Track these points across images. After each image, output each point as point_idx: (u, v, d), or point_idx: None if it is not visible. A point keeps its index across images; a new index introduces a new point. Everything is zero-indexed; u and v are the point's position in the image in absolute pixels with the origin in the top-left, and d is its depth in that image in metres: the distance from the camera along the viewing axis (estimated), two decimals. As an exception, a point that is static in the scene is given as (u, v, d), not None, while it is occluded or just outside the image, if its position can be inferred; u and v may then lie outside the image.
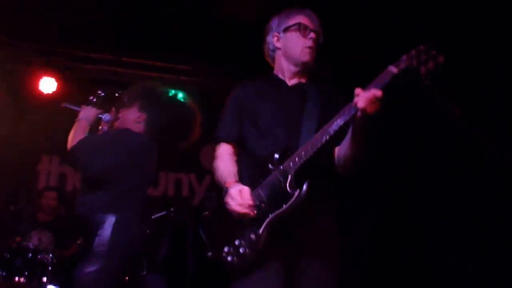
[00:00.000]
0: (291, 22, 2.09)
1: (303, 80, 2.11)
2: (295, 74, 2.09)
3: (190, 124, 2.70)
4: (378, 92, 1.60)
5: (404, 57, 1.63)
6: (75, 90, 4.36)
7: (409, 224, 4.38)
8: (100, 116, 2.64)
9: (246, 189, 1.79)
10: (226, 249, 1.78)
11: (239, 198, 1.76)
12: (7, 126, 4.37)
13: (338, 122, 1.71)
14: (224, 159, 2.03)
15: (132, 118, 2.56)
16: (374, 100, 1.59)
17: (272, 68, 2.23)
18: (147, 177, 2.55)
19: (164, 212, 3.85)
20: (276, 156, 1.84)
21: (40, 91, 4.59)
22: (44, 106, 4.51)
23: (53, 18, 3.89)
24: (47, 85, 4.57)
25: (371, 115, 1.61)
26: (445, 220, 4.05)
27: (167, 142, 2.67)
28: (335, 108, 1.85)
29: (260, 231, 1.72)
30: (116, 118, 2.66)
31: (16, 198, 4.65)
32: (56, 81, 4.60)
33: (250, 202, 1.75)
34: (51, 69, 4.55)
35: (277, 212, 1.72)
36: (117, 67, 4.53)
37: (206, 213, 2.00)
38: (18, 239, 3.81)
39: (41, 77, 4.56)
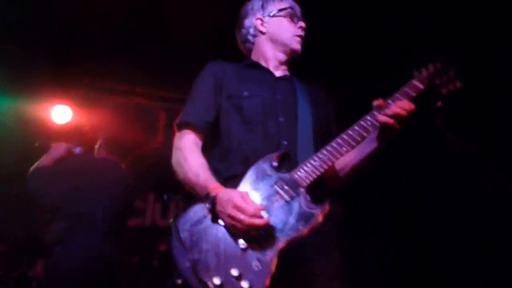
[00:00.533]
0: (282, 5, 1.88)
1: (287, 73, 1.88)
2: (281, 64, 1.86)
3: (151, 128, 2.73)
4: (412, 105, 1.48)
5: (425, 73, 1.57)
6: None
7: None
8: (72, 150, 2.67)
9: (247, 195, 1.41)
10: (216, 280, 1.29)
11: (248, 207, 1.35)
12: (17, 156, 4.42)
13: (362, 133, 1.51)
14: (195, 153, 1.60)
15: (96, 146, 2.63)
16: (409, 114, 1.46)
17: (244, 56, 1.96)
18: (111, 200, 2.48)
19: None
20: (276, 159, 1.51)
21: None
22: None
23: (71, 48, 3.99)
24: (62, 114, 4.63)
25: (401, 128, 1.47)
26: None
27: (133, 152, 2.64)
28: (325, 109, 1.76)
29: (268, 258, 1.31)
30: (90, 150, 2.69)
31: (24, 226, 4.63)
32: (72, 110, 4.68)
33: (262, 209, 1.36)
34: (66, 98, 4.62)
35: (293, 235, 1.35)
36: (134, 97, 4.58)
37: (179, 225, 1.41)
38: (22, 268, 3.75)
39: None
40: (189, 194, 1.56)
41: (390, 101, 1.52)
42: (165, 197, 2.85)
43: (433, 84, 1.54)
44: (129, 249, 3.82)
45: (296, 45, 1.85)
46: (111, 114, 2.82)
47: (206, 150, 1.67)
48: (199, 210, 1.45)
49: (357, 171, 1.66)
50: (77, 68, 4.20)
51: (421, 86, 1.55)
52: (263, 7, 1.90)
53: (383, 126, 1.49)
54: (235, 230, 1.37)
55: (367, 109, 1.57)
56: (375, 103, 1.52)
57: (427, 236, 4.17)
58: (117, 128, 2.63)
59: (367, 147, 1.60)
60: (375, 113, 1.51)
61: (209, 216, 1.43)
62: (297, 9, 1.93)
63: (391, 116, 1.45)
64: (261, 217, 1.36)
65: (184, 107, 1.73)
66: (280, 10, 1.87)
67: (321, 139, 1.67)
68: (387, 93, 1.56)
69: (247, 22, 1.93)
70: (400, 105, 1.47)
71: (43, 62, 3.97)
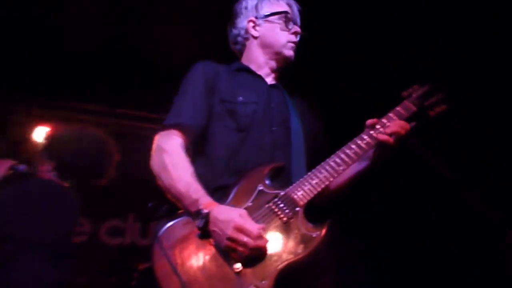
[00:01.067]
0: (277, 8, 1.78)
1: (277, 80, 1.80)
2: (273, 71, 1.78)
3: (102, 161, 2.65)
4: (408, 125, 1.50)
5: (415, 94, 1.58)
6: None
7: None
8: (15, 167, 2.53)
9: (246, 214, 1.30)
10: None
11: (252, 228, 1.25)
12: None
13: (359, 152, 1.47)
14: (185, 159, 1.45)
15: (44, 169, 2.54)
16: (406, 133, 1.48)
17: (236, 58, 1.88)
18: (57, 225, 2.39)
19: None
20: (269, 172, 1.42)
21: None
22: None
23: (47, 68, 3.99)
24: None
25: (399, 147, 1.48)
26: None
27: (83, 181, 2.60)
28: (312, 122, 1.71)
29: (266, 285, 1.20)
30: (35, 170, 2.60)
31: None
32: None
33: (262, 231, 1.25)
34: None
35: (292, 259, 1.25)
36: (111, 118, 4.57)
37: (163, 241, 1.28)
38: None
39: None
40: (174, 205, 1.43)
41: (385, 121, 1.53)
42: (149, 204, 2.77)
43: (422, 106, 1.56)
44: (106, 268, 3.79)
45: (289, 52, 1.75)
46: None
47: (189, 155, 1.53)
48: (185, 225, 1.34)
49: (346, 189, 1.63)
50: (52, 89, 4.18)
51: (414, 108, 1.56)
52: (257, 7, 1.79)
53: (383, 145, 1.48)
54: (233, 253, 1.25)
55: (351, 125, 1.57)
56: (369, 122, 1.53)
57: (424, 239, 4.21)
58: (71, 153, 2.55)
59: (359, 165, 1.58)
60: (372, 132, 1.51)
61: (197, 233, 1.31)
62: (294, 12, 1.81)
63: (391, 135, 1.46)
64: (263, 239, 1.26)
65: (173, 106, 1.59)
66: (275, 13, 1.76)
67: (311, 153, 1.63)
68: (370, 111, 1.58)
69: (239, 23, 1.82)
70: (400, 124, 1.48)
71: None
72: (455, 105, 1.58)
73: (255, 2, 1.80)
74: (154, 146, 1.52)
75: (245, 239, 1.23)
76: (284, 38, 1.75)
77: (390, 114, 1.55)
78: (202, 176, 1.44)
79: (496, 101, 3.38)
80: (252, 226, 1.26)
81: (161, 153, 1.47)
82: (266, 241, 1.26)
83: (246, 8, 1.80)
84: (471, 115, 3.28)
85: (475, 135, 3.53)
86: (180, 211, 1.41)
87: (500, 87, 3.32)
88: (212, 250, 1.29)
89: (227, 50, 1.95)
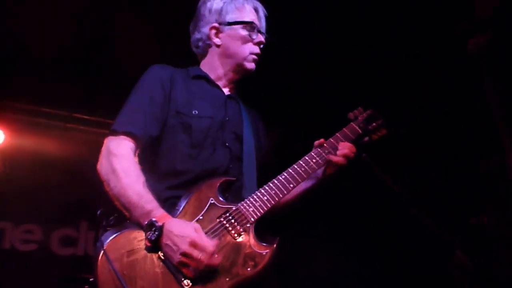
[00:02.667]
0: (244, 15, 1.71)
1: (234, 91, 1.78)
2: (231, 82, 1.75)
3: None
4: (354, 148, 1.60)
5: (361, 117, 1.69)
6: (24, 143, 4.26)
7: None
8: None
9: (200, 229, 1.28)
10: None
11: (207, 245, 1.23)
12: None
13: (308, 170, 1.51)
14: (136, 167, 1.40)
15: None
16: (354, 155, 1.58)
17: (196, 60, 1.83)
18: None
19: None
20: (221, 186, 1.40)
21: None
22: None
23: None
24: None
25: (347, 167, 1.56)
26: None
27: None
28: (263, 135, 1.73)
29: None
30: None
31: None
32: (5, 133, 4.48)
33: (215, 249, 1.24)
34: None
35: (241, 278, 1.26)
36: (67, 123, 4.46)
37: (110, 253, 1.22)
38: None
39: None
40: (122, 214, 1.39)
41: (333, 141, 1.61)
42: (98, 212, 2.65)
43: (367, 129, 1.68)
44: (56, 280, 3.62)
45: (250, 65, 1.72)
46: None
47: (146, 166, 1.50)
48: (134, 237, 1.29)
49: (295, 204, 1.67)
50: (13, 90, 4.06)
51: (359, 131, 1.66)
52: (221, 12, 1.72)
53: (335, 165, 1.55)
54: (185, 268, 1.23)
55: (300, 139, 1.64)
56: (317, 142, 1.60)
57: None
58: None
59: (307, 182, 1.62)
60: (321, 151, 1.57)
61: (145, 246, 1.28)
62: (260, 17, 1.77)
63: (343, 156, 1.55)
64: (217, 256, 1.25)
65: (125, 110, 1.53)
66: (239, 22, 1.71)
67: (262, 167, 1.65)
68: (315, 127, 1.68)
69: (201, 26, 1.75)
70: (348, 147, 1.59)
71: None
72: (393, 131, 1.73)
73: (219, 6, 1.73)
74: (103, 149, 1.47)
75: (200, 255, 1.21)
76: (247, 50, 1.71)
77: (338, 135, 1.63)
78: (155, 187, 1.41)
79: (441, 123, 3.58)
80: (208, 243, 1.25)
81: (111, 158, 1.40)
82: (220, 259, 1.26)
83: (210, 11, 1.74)
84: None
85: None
86: (127, 222, 1.37)
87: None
88: (160, 264, 1.25)
89: (188, 55, 1.89)
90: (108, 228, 1.35)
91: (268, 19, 1.82)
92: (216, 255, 1.25)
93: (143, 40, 3.56)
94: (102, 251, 1.25)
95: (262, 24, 1.78)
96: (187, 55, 1.92)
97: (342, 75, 3.78)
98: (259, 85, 2.20)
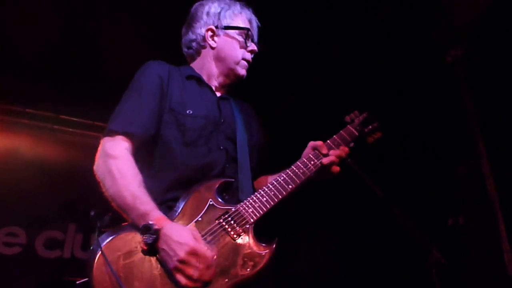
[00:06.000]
0: (240, 22, 1.75)
1: (226, 93, 1.78)
2: (223, 85, 1.76)
3: None
4: (347, 149, 1.64)
5: (357, 121, 1.73)
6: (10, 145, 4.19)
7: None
8: None
9: (199, 236, 1.27)
10: None
11: (207, 254, 1.22)
12: None
13: (306, 172, 1.53)
14: (133, 168, 1.37)
15: None
16: (345, 156, 1.62)
17: (185, 60, 1.82)
18: None
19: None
20: (218, 187, 1.40)
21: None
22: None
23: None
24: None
25: (340, 168, 1.59)
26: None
27: None
28: (257, 134, 1.73)
29: None
30: None
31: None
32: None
33: (213, 260, 1.23)
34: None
35: (240, 279, 1.26)
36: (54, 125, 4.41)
37: (108, 254, 1.20)
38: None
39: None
40: (119, 215, 1.35)
41: (330, 143, 1.65)
42: (91, 213, 2.59)
43: (363, 132, 1.73)
44: (41, 284, 3.57)
45: (242, 70, 1.74)
46: None
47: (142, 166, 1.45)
48: (131, 239, 1.26)
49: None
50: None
51: (356, 133, 1.71)
52: (219, 16, 1.74)
53: (328, 166, 1.57)
54: (180, 274, 1.21)
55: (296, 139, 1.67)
56: (314, 144, 1.62)
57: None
58: None
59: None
60: (318, 154, 1.59)
61: (142, 248, 1.25)
62: (254, 28, 1.79)
63: (337, 157, 1.59)
64: (212, 268, 1.24)
65: (122, 107, 1.49)
66: (236, 28, 1.72)
67: (256, 167, 1.66)
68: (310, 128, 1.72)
69: (197, 28, 1.75)
70: (343, 149, 1.62)
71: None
72: (387, 133, 1.79)
73: (218, 10, 1.74)
74: (99, 150, 1.43)
75: (198, 264, 1.20)
76: (240, 55, 1.72)
77: (336, 137, 1.67)
78: (152, 188, 1.37)
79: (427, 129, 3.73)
80: (206, 252, 1.24)
81: (107, 158, 1.37)
82: (214, 272, 1.25)
83: (208, 14, 1.74)
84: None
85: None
86: (124, 223, 1.34)
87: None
88: (158, 266, 1.24)
89: (177, 54, 1.87)
90: (103, 230, 1.35)
91: (260, 29, 1.87)
92: (215, 267, 1.25)
93: (131, 40, 3.54)
94: (99, 252, 1.22)
95: (255, 35, 1.83)
96: (176, 55, 1.91)
97: (322, 82, 3.87)
98: (254, 87, 2.23)
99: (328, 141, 1.65)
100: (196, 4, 1.80)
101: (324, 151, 1.58)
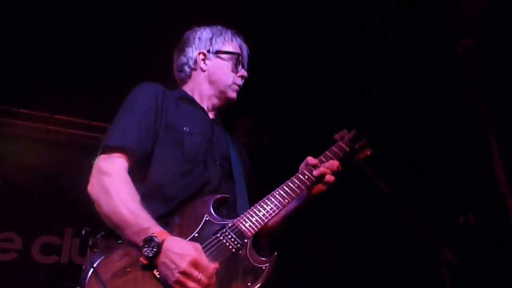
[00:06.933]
0: (231, 48, 1.82)
1: (218, 117, 1.83)
2: (214, 107, 1.81)
3: None
4: (337, 163, 1.67)
5: (347, 137, 1.79)
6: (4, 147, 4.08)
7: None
8: None
9: (201, 248, 1.26)
10: None
11: (208, 265, 1.21)
12: None
13: (301, 186, 1.56)
14: (129, 185, 1.37)
15: None
16: (337, 172, 1.65)
17: (175, 84, 1.87)
18: None
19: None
20: (215, 202, 1.41)
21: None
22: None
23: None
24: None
25: (334, 182, 1.62)
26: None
27: None
28: (246, 160, 1.80)
29: None
30: None
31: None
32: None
33: (215, 272, 1.22)
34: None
35: None
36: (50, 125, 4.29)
37: (101, 271, 1.17)
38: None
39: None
40: (112, 232, 1.33)
41: (323, 158, 1.70)
42: (83, 232, 2.52)
43: (354, 148, 1.79)
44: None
45: (232, 94, 1.80)
46: None
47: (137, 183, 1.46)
48: (124, 257, 1.25)
49: (282, 226, 1.68)
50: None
51: (347, 149, 1.76)
52: (211, 41, 1.81)
53: (320, 177, 1.61)
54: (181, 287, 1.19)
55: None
56: (306, 162, 1.66)
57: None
58: None
59: (292, 204, 1.62)
60: (314, 169, 1.62)
61: (139, 265, 1.23)
62: (244, 55, 1.86)
63: (328, 169, 1.62)
64: (216, 278, 1.23)
65: (117, 125, 1.51)
66: (227, 52, 1.79)
67: (250, 187, 1.71)
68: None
69: (189, 51, 1.81)
70: (333, 163, 1.66)
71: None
72: (378, 151, 1.84)
73: (209, 35, 1.81)
74: (94, 169, 1.42)
75: (200, 275, 1.18)
76: (230, 79, 1.78)
77: (328, 153, 1.73)
78: (146, 206, 1.36)
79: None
80: (208, 263, 1.22)
81: (102, 176, 1.37)
82: (215, 283, 1.23)
83: (199, 38, 1.81)
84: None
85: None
86: (118, 242, 1.31)
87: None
88: (155, 284, 1.21)
89: (171, 58, 1.91)
90: (95, 250, 1.30)
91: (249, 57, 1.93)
92: (216, 278, 1.23)
93: (128, 38, 3.53)
94: (91, 272, 1.19)
95: (245, 62, 1.89)
96: (172, 60, 1.95)
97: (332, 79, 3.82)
98: (254, 87, 2.21)
99: (320, 156, 1.69)
100: (188, 31, 1.86)
101: (316, 163, 1.63)
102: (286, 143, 4.21)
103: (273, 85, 3.85)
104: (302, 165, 1.67)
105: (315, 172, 1.59)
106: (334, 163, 1.64)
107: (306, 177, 1.59)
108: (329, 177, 1.59)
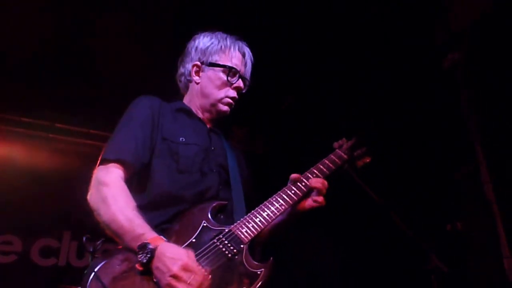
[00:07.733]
0: (222, 60, 1.76)
1: (216, 126, 1.84)
2: (209, 119, 1.81)
3: None
4: (325, 182, 1.66)
5: (346, 145, 1.80)
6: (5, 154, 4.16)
7: None
8: None
9: (193, 255, 1.28)
10: None
11: (199, 269, 1.23)
12: None
13: (298, 193, 1.58)
14: (126, 194, 1.40)
15: None
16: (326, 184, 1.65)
17: (178, 91, 1.90)
18: None
19: None
20: (212, 210, 1.43)
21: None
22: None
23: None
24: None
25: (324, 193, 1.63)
26: None
27: None
28: (244, 168, 1.81)
29: None
30: None
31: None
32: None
33: (206, 278, 1.23)
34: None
35: None
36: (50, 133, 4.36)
37: (101, 275, 1.21)
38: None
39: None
40: (110, 239, 1.38)
41: (321, 166, 1.73)
42: (84, 238, 2.58)
43: (352, 156, 1.80)
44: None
45: (224, 107, 1.77)
46: None
47: (136, 193, 1.49)
48: (123, 262, 1.28)
49: (272, 236, 1.69)
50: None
51: (346, 157, 1.78)
52: (205, 52, 1.77)
53: (315, 187, 1.62)
54: None
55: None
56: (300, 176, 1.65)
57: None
58: None
59: (283, 216, 1.64)
60: (310, 176, 1.65)
61: (136, 270, 1.26)
62: (247, 63, 1.82)
63: (322, 184, 1.63)
64: (207, 284, 1.24)
65: (115, 138, 1.54)
66: (220, 65, 1.75)
67: (247, 195, 1.70)
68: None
69: (186, 62, 1.82)
70: (323, 182, 1.66)
71: None
72: (377, 158, 1.86)
73: (206, 45, 1.79)
74: (93, 180, 1.47)
75: (191, 280, 1.19)
76: (222, 93, 1.75)
77: (325, 160, 1.74)
78: (144, 215, 1.40)
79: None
80: (200, 268, 1.24)
81: (100, 187, 1.41)
82: (209, 283, 1.25)
83: (195, 49, 1.80)
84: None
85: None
86: (118, 248, 1.36)
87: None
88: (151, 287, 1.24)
89: (170, 64, 1.92)
90: (96, 255, 1.37)
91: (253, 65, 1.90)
92: (207, 284, 1.24)
93: (127, 48, 3.56)
94: (93, 276, 1.23)
95: (246, 69, 1.84)
96: (171, 64, 1.96)
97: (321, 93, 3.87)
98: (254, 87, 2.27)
99: (318, 164, 1.71)
100: (192, 38, 1.85)
101: (313, 173, 1.66)
102: (283, 148, 4.22)
103: (273, 85, 3.78)
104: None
105: (311, 181, 1.61)
106: (323, 184, 1.63)
107: (303, 184, 1.61)
108: (322, 191, 1.61)
